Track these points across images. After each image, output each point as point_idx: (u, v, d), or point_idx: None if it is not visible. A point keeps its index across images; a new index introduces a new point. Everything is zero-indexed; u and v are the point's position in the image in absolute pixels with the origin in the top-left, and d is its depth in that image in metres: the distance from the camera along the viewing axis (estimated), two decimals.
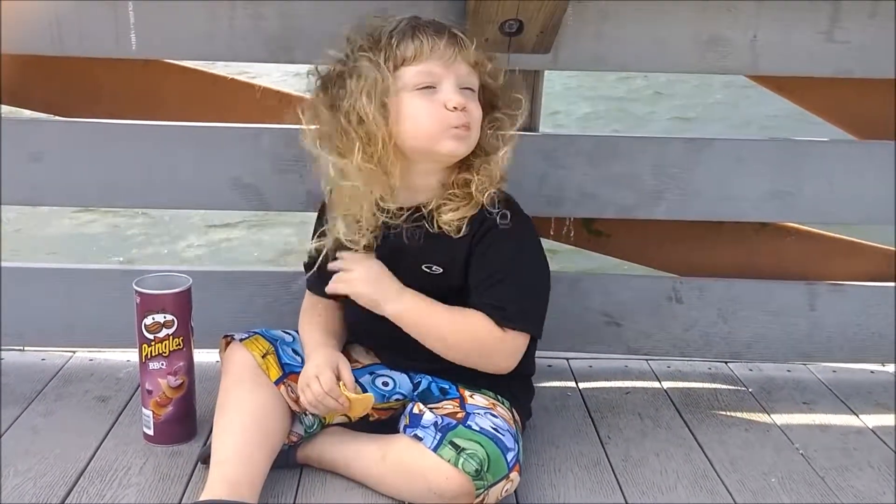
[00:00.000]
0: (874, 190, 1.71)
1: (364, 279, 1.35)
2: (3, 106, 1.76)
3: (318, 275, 1.45)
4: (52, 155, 1.65)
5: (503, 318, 1.32)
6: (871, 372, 1.85)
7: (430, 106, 1.29)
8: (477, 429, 1.28)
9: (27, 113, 1.78)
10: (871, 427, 1.63)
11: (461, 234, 1.33)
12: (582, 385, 1.76)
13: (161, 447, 1.46)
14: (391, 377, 1.44)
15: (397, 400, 1.42)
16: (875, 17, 1.61)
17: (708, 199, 1.71)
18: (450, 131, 1.30)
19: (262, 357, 1.37)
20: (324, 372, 1.32)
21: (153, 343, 1.42)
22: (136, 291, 1.42)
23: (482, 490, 1.25)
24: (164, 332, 1.42)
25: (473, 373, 1.40)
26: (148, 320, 1.42)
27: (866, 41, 1.62)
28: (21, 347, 1.80)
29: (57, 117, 1.75)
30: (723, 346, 1.81)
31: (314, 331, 1.43)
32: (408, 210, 1.35)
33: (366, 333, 1.48)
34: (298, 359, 1.40)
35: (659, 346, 1.81)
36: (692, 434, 1.57)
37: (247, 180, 1.67)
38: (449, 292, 1.36)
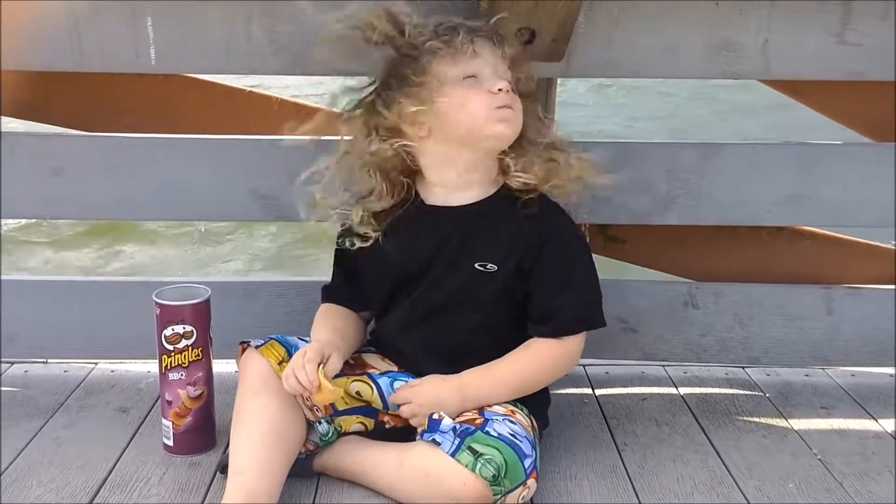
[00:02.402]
0: (890, 192, 1.70)
1: (428, 404, 1.36)
2: (24, 121, 1.80)
3: (338, 286, 1.50)
4: (72, 169, 1.67)
5: (557, 331, 1.40)
6: (890, 376, 1.83)
7: (475, 91, 1.35)
8: (495, 434, 1.29)
9: (48, 127, 1.81)
10: (890, 432, 1.61)
11: (520, 229, 1.39)
12: (598, 392, 1.76)
13: (180, 457, 1.47)
14: (407, 382, 1.45)
15: None
16: (887, 18, 1.60)
17: (722, 204, 1.71)
18: (496, 113, 1.35)
19: (279, 364, 1.38)
20: (309, 353, 1.33)
21: (173, 354, 1.44)
22: (156, 303, 1.44)
23: (499, 496, 1.25)
24: (184, 342, 1.44)
25: None
26: (167, 331, 1.43)
27: (879, 43, 1.61)
28: (44, 360, 1.82)
29: (77, 131, 1.78)
30: (740, 352, 1.80)
31: (324, 330, 1.45)
32: (461, 207, 1.41)
33: (394, 347, 1.49)
34: None
35: (675, 352, 1.80)
36: (709, 440, 1.57)
37: (264, 191, 1.68)
38: (499, 293, 1.40)
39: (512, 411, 1.38)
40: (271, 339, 1.42)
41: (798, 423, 1.64)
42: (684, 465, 1.48)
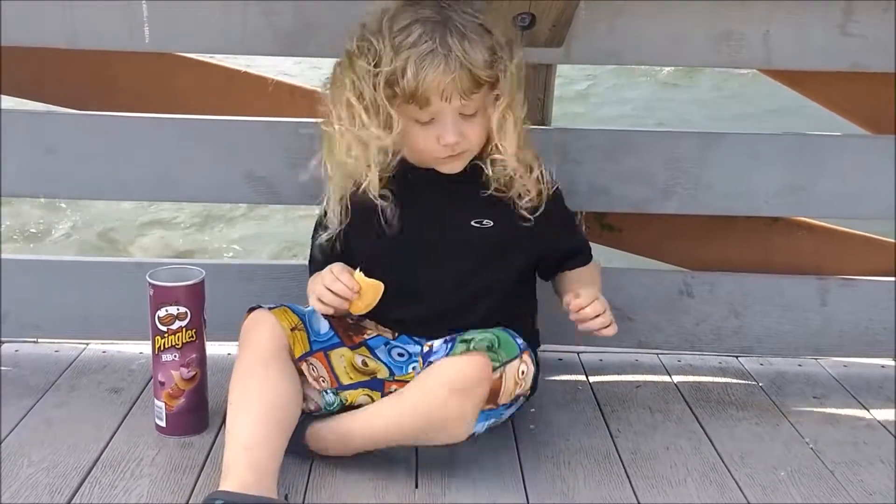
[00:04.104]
0: (888, 184, 1.70)
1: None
2: (18, 99, 1.78)
3: (324, 256, 1.48)
4: (66, 148, 1.66)
5: (588, 260, 1.56)
6: (882, 366, 1.84)
7: (425, 137, 1.35)
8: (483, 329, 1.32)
9: (42, 106, 1.79)
10: (881, 421, 1.62)
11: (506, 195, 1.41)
12: (592, 379, 1.76)
13: (173, 438, 1.47)
14: (405, 349, 1.47)
15: (413, 369, 1.44)
16: (889, 10, 1.60)
17: (720, 194, 1.71)
18: (440, 159, 1.38)
19: (291, 330, 1.37)
20: (335, 267, 1.36)
21: (166, 335, 1.43)
22: (150, 283, 1.43)
23: (499, 365, 1.28)
24: (178, 324, 1.43)
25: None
26: (161, 312, 1.43)
27: (880, 35, 1.61)
28: (35, 339, 1.81)
29: (72, 110, 1.77)
30: (734, 341, 1.81)
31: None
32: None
33: (391, 316, 1.47)
34: (327, 333, 1.42)
35: (670, 341, 1.81)
36: (702, 428, 1.57)
37: (259, 174, 1.67)
38: (497, 247, 1.43)
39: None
40: (283, 305, 1.41)
41: (791, 413, 1.64)
42: (677, 453, 1.48)
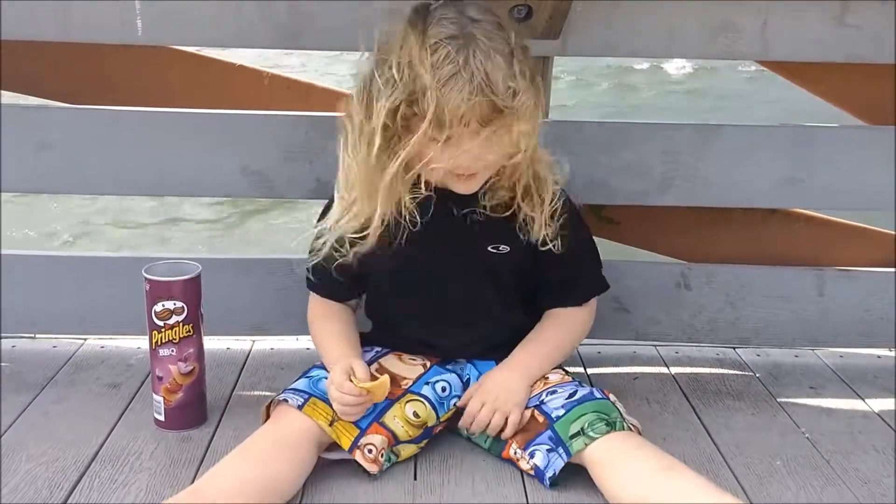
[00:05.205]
0: (884, 176, 1.70)
1: (502, 397, 1.39)
2: (11, 93, 1.77)
3: (330, 275, 1.43)
4: (60, 142, 1.65)
5: (580, 299, 1.51)
6: (878, 357, 1.85)
7: (440, 157, 1.28)
8: (564, 410, 1.34)
9: (35, 100, 1.78)
10: (876, 411, 1.63)
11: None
12: (590, 371, 1.76)
13: (172, 433, 1.47)
14: (446, 381, 1.45)
15: (454, 404, 1.44)
16: (886, 1, 1.60)
17: (717, 186, 1.71)
18: (451, 176, 1.33)
19: (329, 425, 1.32)
20: (335, 378, 1.32)
21: (163, 330, 1.43)
22: (146, 278, 1.43)
23: (622, 425, 1.32)
24: (174, 318, 1.43)
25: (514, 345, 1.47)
26: (158, 307, 1.42)
27: (878, 26, 1.61)
28: (33, 335, 1.81)
29: (65, 104, 1.76)
30: (731, 332, 1.81)
31: (336, 343, 1.43)
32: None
33: (421, 342, 1.47)
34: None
35: (667, 332, 1.81)
36: (699, 419, 1.58)
37: (255, 168, 1.67)
38: (514, 271, 1.44)
39: (545, 379, 1.43)
40: (307, 395, 1.35)
41: (787, 403, 1.65)
42: (675, 443, 1.49)
